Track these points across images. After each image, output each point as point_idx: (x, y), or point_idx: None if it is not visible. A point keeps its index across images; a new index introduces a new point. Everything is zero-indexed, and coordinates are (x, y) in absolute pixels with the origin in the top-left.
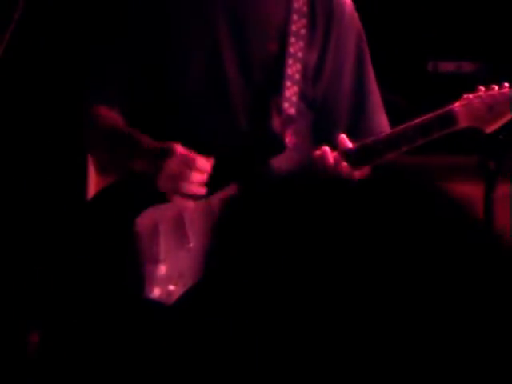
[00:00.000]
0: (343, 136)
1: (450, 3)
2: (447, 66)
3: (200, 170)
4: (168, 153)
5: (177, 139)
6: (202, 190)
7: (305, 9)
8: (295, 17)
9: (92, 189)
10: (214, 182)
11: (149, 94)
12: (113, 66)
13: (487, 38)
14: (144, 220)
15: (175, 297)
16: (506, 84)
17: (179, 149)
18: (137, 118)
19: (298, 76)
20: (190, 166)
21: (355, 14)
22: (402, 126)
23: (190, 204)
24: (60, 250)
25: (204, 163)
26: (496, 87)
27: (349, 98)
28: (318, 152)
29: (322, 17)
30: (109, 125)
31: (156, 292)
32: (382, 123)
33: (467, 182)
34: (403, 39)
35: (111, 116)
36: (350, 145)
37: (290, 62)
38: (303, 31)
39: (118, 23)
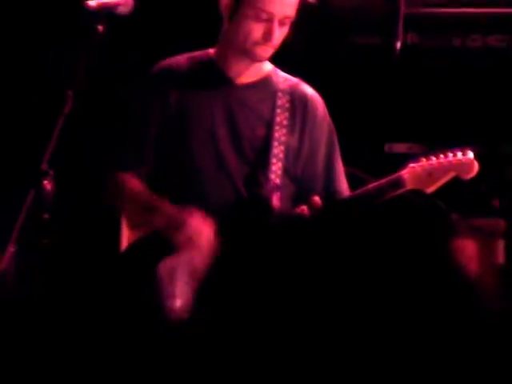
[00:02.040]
0: (316, 198)
1: (404, 96)
2: (400, 148)
3: (207, 242)
4: (184, 221)
5: (189, 200)
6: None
7: (287, 105)
8: (279, 111)
9: (124, 241)
10: (220, 226)
11: (164, 171)
12: (135, 147)
13: (434, 124)
14: (165, 265)
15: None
16: (442, 155)
17: (193, 217)
18: (156, 183)
19: (281, 155)
20: (200, 236)
21: (326, 110)
22: (361, 190)
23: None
24: (101, 290)
25: (210, 235)
26: (434, 158)
27: (323, 173)
28: (297, 209)
29: (300, 112)
30: (131, 189)
31: (174, 318)
32: (345, 190)
33: None
34: (365, 125)
35: (133, 182)
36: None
37: (275, 144)
38: (285, 122)
39: (145, 115)
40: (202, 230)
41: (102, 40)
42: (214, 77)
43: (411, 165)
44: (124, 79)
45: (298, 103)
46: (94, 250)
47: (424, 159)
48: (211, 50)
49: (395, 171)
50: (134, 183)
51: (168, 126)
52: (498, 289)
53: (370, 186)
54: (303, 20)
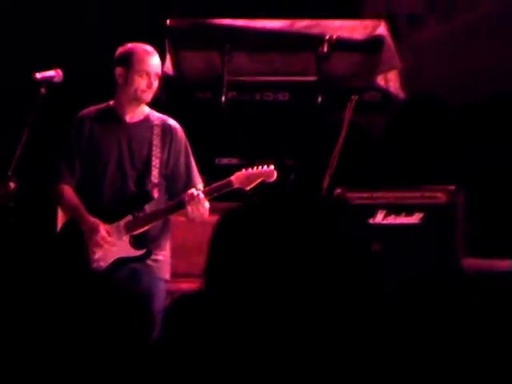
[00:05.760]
0: (193, 190)
1: (228, 128)
2: (225, 161)
3: (103, 235)
4: (90, 228)
5: (101, 198)
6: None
7: (160, 133)
8: (155, 137)
9: (60, 220)
10: (119, 216)
11: (87, 178)
12: (68, 165)
13: (246, 146)
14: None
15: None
16: (255, 167)
17: (97, 225)
18: (80, 189)
19: (158, 165)
20: (96, 232)
21: (183, 134)
22: (209, 187)
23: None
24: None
25: (103, 232)
26: (250, 168)
27: (183, 175)
28: (188, 192)
29: (168, 137)
30: (67, 198)
31: (94, 265)
32: (199, 183)
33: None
34: (204, 146)
35: (68, 191)
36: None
37: (154, 158)
38: (159, 144)
39: (74, 144)
40: (96, 230)
41: (44, 97)
42: (114, 118)
43: (237, 173)
44: (59, 123)
45: (167, 131)
46: (41, 224)
47: (244, 169)
48: (111, 102)
49: (223, 175)
50: (67, 192)
51: (86, 151)
52: None
53: (214, 184)
54: (165, 85)
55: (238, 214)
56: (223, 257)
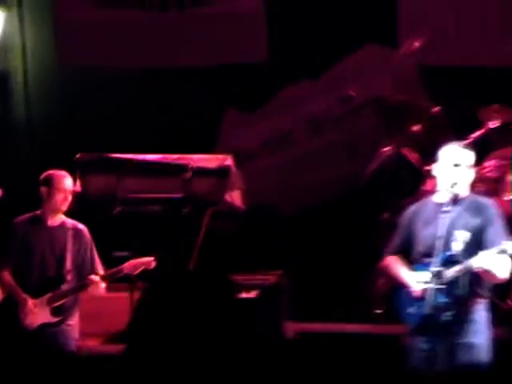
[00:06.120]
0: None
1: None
2: (118, 253)
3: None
4: (22, 302)
5: (30, 280)
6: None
7: (72, 234)
8: (69, 238)
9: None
10: (42, 293)
11: (21, 266)
12: (7, 257)
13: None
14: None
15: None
16: (143, 258)
17: (26, 300)
18: (15, 273)
19: (70, 257)
20: (25, 305)
21: (88, 234)
22: (106, 273)
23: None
24: None
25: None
26: (136, 259)
27: (88, 264)
28: (91, 276)
29: (78, 236)
30: (6, 280)
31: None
32: (100, 270)
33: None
34: (104, 243)
35: (6, 276)
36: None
37: (68, 252)
38: (72, 241)
39: (10, 242)
40: (26, 303)
41: None
42: (39, 223)
43: (127, 262)
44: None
45: (77, 233)
46: None
47: (132, 259)
48: (38, 211)
49: (117, 264)
50: (6, 276)
51: (20, 246)
52: None
53: (110, 271)
54: (76, 199)
55: (152, 291)
56: (145, 322)
